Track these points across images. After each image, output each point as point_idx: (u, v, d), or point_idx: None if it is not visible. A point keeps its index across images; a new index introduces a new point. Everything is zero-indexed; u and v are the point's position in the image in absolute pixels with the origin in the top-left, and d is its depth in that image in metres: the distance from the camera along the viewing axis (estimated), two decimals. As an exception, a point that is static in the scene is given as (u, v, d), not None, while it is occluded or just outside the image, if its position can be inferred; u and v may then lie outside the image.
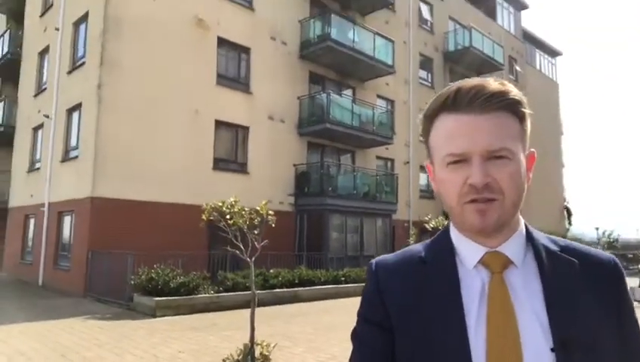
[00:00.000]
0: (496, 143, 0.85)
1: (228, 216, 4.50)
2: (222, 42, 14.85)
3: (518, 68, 29.58)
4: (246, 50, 15.50)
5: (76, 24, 14.31)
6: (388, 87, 20.09)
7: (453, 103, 0.89)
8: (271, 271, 11.84)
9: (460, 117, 0.88)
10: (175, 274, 9.96)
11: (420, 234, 16.91)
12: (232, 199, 4.54)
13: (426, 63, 22.72)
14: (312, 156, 17.06)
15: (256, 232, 4.69)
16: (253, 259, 4.78)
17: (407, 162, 20.79)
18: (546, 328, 0.84)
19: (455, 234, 0.96)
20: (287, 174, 16.10)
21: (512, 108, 0.89)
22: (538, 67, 34.12)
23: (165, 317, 9.18)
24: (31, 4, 18.17)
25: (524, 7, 31.35)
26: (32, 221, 15.95)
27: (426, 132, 0.95)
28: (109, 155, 12.26)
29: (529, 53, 32.56)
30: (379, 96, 19.82)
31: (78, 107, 13.49)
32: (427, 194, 21.86)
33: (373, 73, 18.56)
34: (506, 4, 29.90)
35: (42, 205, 14.54)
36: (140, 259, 10.48)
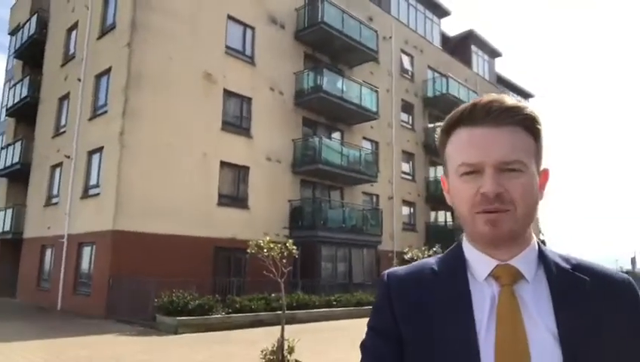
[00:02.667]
0: (510, 155, 0.87)
1: (265, 250, 6.29)
2: (227, 93, 16.85)
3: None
4: (248, 100, 17.52)
5: (98, 76, 16.19)
6: (373, 130, 22.24)
7: (469, 117, 0.91)
8: (272, 295, 13.50)
9: (475, 129, 0.90)
10: (192, 297, 11.58)
11: (402, 264, 18.73)
12: (267, 238, 6.36)
13: (407, 108, 25.06)
14: (304, 192, 18.92)
15: (284, 261, 6.51)
16: (283, 279, 6.58)
17: (391, 197, 22.78)
18: (557, 343, 0.83)
19: (467, 247, 0.96)
20: (282, 209, 17.90)
21: (527, 124, 0.90)
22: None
23: (185, 334, 10.77)
24: (50, 53, 20.07)
25: (498, 55, 34.33)
26: (49, 251, 17.39)
27: (443, 145, 0.97)
28: (129, 193, 13.95)
29: (502, 95, 35.42)
30: (364, 138, 21.94)
31: (99, 150, 15.23)
32: (409, 226, 23.96)
33: (359, 118, 20.73)
34: (480, 53, 32.80)
35: (61, 236, 16.05)
36: (160, 284, 12.08)
